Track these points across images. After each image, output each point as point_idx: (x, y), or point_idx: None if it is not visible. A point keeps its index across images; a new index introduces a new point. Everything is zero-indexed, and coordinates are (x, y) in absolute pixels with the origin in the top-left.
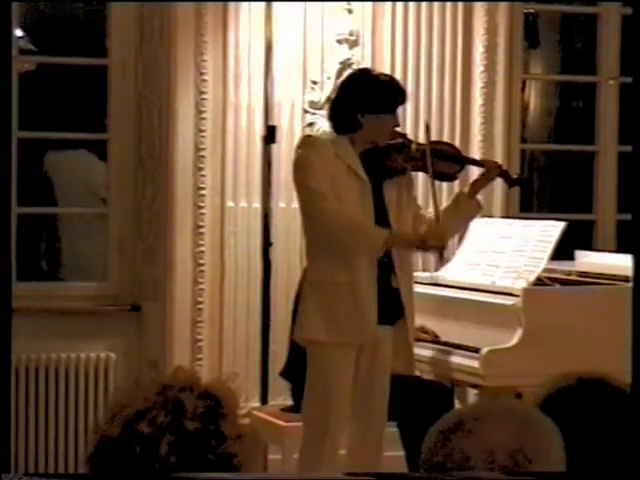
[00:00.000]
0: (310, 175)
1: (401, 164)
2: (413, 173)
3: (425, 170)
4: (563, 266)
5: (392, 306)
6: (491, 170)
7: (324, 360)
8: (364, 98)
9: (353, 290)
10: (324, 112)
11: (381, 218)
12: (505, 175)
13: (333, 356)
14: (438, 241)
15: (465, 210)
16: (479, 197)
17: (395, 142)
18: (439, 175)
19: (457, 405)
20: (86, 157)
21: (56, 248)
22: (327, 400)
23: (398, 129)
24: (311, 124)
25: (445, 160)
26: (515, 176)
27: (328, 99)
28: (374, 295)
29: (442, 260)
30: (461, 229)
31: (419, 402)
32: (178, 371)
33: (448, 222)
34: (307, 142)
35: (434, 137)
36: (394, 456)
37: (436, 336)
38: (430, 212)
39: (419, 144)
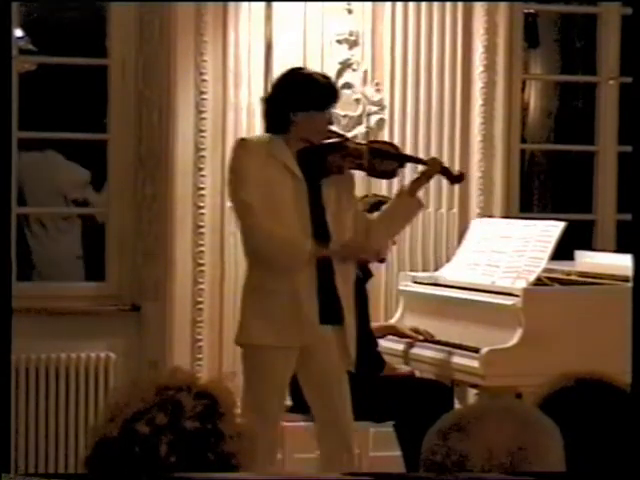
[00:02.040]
0: (241, 186)
1: (338, 163)
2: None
3: (362, 168)
4: (563, 266)
5: (336, 306)
6: (433, 168)
7: (260, 362)
8: (294, 96)
9: (293, 296)
10: None
11: (318, 217)
12: (446, 172)
13: (269, 358)
14: (356, 257)
15: (406, 209)
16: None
17: (333, 141)
18: (377, 173)
19: (457, 405)
20: (52, 157)
21: (26, 249)
22: (262, 402)
23: (335, 129)
24: None
25: (384, 158)
26: (456, 173)
27: (262, 99)
28: (314, 299)
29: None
30: (402, 228)
31: (418, 402)
32: (175, 371)
33: (389, 221)
34: (240, 145)
35: (435, 139)
36: (392, 456)
37: (431, 336)
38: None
39: (357, 143)
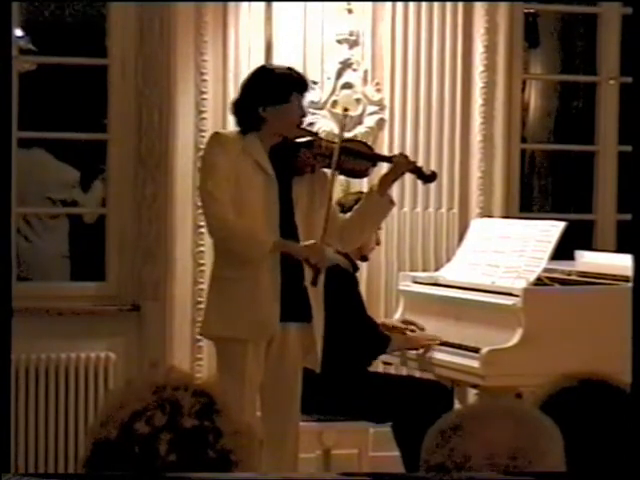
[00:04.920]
0: (210, 178)
1: (309, 161)
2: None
3: (334, 167)
4: (563, 266)
5: (303, 304)
6: (400, 166)
7: (227, 355)
8: (260, 92)
9: (254, 286)
10: (325, 112)
11: (287, 214)
12: (417, 171)
13: (239, 351)
14: (318, 261)
15: (376, 208)
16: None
17: (304, 139)
18: (348, 172)
19: (457, 405)
20: (41, 156)
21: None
22: (237, 395)
23: (308, 128)
24: (311, 124)
25: (355, 157)
26: (428, 173)
27: (232, 102)
28: (276, 291)
29: (314, 283)
30: (374, 227)
31: (418, 402)
32: (170, 371)
33: (360, 221)
34: (214, 139)
35: (435, 139)
36: (392, 456)
37: (422, 328)
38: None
39: (329, 142)
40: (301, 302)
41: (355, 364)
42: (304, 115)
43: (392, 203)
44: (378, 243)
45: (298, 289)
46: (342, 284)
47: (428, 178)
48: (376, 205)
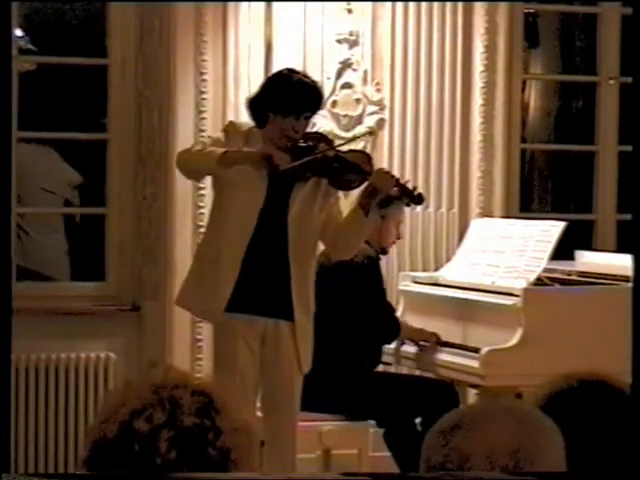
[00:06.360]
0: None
1: (304, 169)
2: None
3: (325, 176)
4: (563, 266)
5: (288, 302)
6: (382, 186)
7: (215, 331)
8: (271, 96)
9: (214, 266)
10: (324, 112)
11: (280, 215)
12: (405, 192)
13: (230, 338)
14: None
15: (360, 225)
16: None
17: (302, 145)
18: (336, 183)
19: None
20: (46, 154)
21: (19, 246)
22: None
23: (319, 132)
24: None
25: (347, 170)
26: (417, 192)
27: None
28: (234, 273)
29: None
30: (360, 240)
31: (422, 401)
32: (169, 371)
33: (346, 233)
34: (225, 127)
35: (435, 139)
36: (390, 456)
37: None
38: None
39: (328, 149)
40: (287, 301)
41: (370, 348)
42: (297, 132)
43: (378, 217)
44: (399, 237)
45: (284, 288)
46: (369, 270)
47: (417, 200)
48: (360, 222)
